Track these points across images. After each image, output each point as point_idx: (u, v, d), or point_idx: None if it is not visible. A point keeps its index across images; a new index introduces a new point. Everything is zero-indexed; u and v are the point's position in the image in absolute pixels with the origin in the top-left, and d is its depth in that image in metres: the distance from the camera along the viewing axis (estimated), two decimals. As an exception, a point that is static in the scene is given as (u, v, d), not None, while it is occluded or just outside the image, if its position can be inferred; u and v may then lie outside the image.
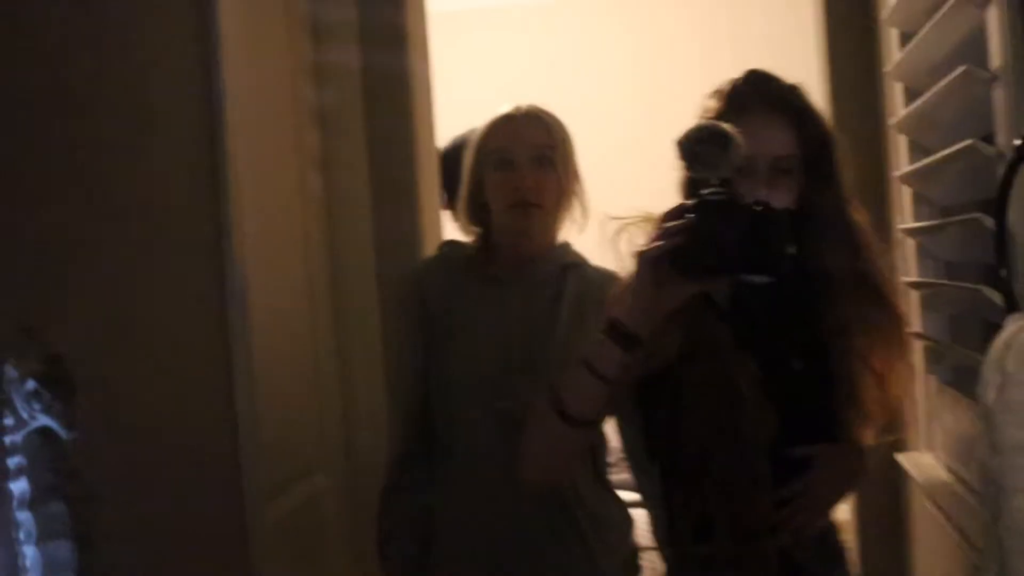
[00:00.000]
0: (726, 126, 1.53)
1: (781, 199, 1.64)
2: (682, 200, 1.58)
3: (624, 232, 1.77)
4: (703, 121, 1.57)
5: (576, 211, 2.30)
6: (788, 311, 1.74)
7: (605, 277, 2.14)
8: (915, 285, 2.18)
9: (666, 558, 1.84)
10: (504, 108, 2.32)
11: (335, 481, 2.73)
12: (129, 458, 1.42)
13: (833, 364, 1.74)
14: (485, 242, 2.31)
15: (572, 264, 2.28)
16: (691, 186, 1.65)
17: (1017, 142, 1.15)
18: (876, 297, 1.74)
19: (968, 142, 1.60)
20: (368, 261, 2.79)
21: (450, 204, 2.63)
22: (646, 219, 1.74)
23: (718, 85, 1.76)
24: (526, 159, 2.21)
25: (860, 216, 1.77)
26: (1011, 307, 1.24)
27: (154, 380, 1.50)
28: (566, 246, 2.32)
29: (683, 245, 1.50)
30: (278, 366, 2.37)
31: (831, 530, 1.83)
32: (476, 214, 2.31)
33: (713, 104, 1.73)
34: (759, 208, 1.52)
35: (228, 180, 1.74)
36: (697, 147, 1.53)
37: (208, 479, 1.64)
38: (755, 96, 1.70)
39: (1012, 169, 1.20)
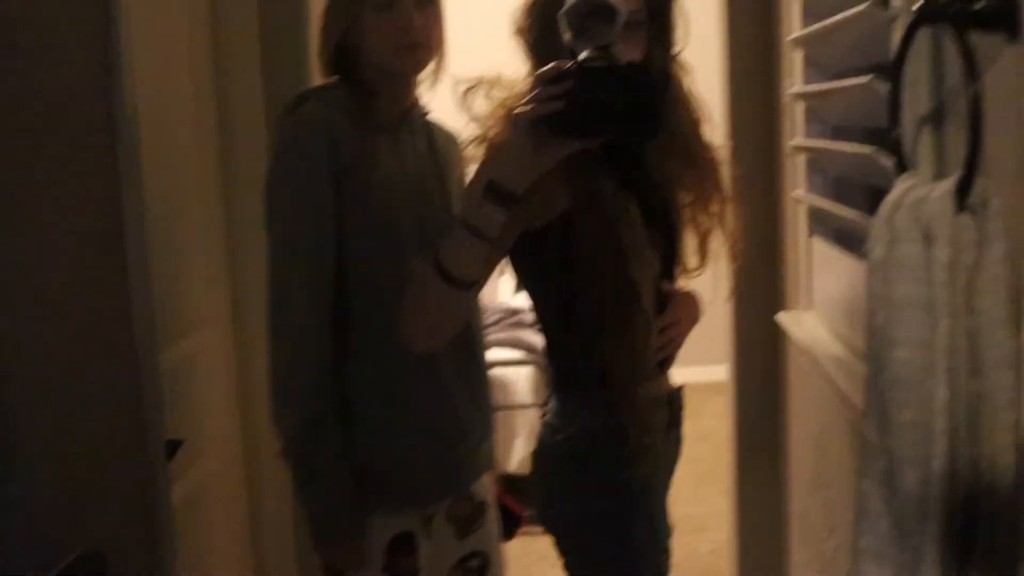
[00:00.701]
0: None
1: (632, 53, 1.70)
2: (557, 55, 1.60)
3: (473, 93, 1.82)
4: None
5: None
6: (641, 159, 1.86)
7: (449, 131, 2.22)
8: (803, 148, 2.22)
9: (567, 404, 1.91)
10: None
11: (223, 334, 2.73)
12: (21, 316, 1.39)
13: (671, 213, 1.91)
14: (359, 88, 2.10)
15: (427, 112, 2.22)
16: (561, 42, 1.65)
17: (920, 1, 1.17)
18: (690, 154, 1.89)
19: (865, 4, 1.62)
20: (257, 112, 2.75)
21: None
22: (495, 81, 1.79)
23: None
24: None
25: (685, 74, 1.88)
26: (902, 167, 1.28)
27: (43, 239, 1.47)
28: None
29: (564, 109, 1.52)
30: (168, 221, 2.33)
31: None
32: (341, 59, 2.11)
33: None
34: (636, 72, 1.57)
35: (117, 37, 1.68)
36: (585, 21, 1.56)
37: (99, 334, 1.62)
38: None
39: (911, 29, 1.23)
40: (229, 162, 2.74)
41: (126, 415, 1.66)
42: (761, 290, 2.81)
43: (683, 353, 2.00)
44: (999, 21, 1.06)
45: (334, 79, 2.11)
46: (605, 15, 1.56)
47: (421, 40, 2.05)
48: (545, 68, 1.56)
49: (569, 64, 1.55)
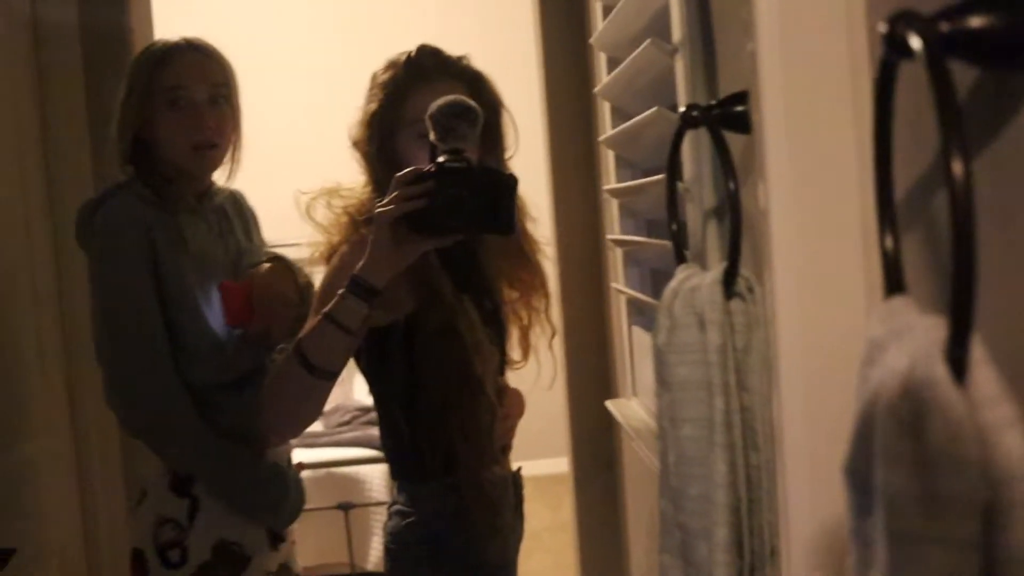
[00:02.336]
0: (472, 102, 1.67)
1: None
2: (395, 161, 1.71)
3: (314, 204, 1.94)
4: (453, 97, 1.70)
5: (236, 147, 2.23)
6: (476, 259, 1.99)
7: (239, 193, 2.34)
8: (617, 242, 2.33)
9: (417, 494, 1.97)
10: (170, 39, 2.17)
11: (61, 440, 2.70)
12: None
13: (500, 310, 2.02)
14: (155, 179, 2.13)
15: (221, 191, 2.29)
16: (398, 150, 1.84)
17: (682, 109, 1.28)
18: (518, 252, 2.02)
19: (654, 109, 1.73)
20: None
21: None
22: (334, 191, 1.90)
23: (391, 58, 1.92)
24: (205, 97, 2.13)
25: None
26: (680, 259, 1.38)
27: None
28: None
29: (425, 208, 1.64)
30: (2, 328, 2.32)
31: None
32: (136, 150, 2.14)
33: (391, 75, 1.90)
34: (491, 173, 1.72)
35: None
36: (452, 121, 1.68)
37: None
38: (434, 66, 1.86)
39: (680, 133, 1.33)
40: (63, 266, 2.73)
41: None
42: (591, 379, 2.90)
43: (535, 445, 2.08)
44: (743, 122, 1.17)
45: (128, 174, 2.15)
46: (470, 117, 1.70)
47: (214, 140, 2.13)
48: (405, 171, 1.68)
49: (428, 167, 1.67)
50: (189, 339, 2.11)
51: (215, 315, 2.12)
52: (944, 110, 0.65)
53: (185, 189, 2.17)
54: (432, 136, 1.71)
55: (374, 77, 1.95)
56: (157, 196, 2.12)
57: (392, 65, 1.93)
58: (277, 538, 2.23)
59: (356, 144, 1.96)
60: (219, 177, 2.25)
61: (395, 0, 6.19)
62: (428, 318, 1.87)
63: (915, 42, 0.67)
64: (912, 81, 0.74)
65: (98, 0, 2.80)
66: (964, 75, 0.73)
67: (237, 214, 2.29)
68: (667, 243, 1.87)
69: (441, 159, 1.70)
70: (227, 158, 2.21)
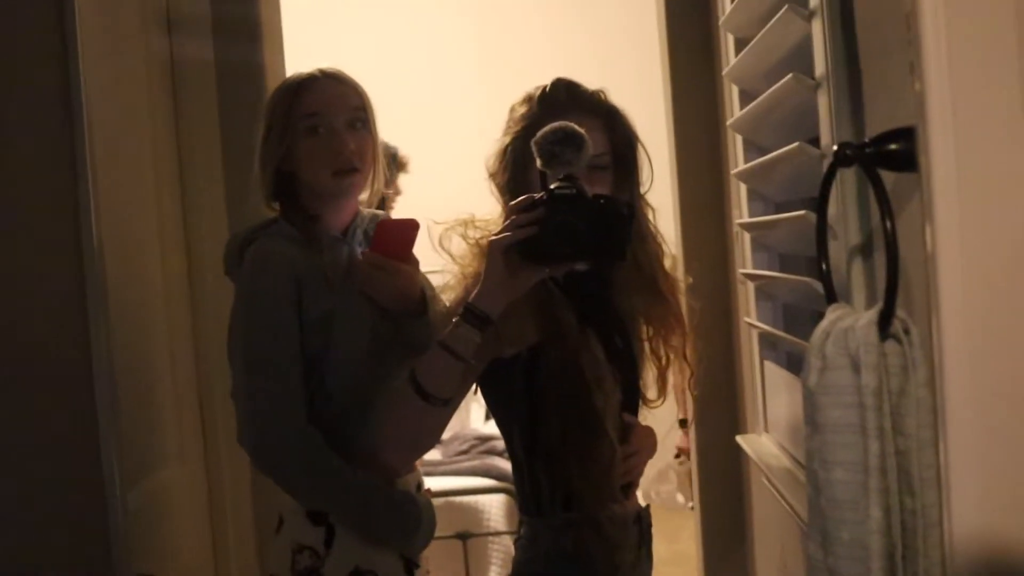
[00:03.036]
0: (579, 128, 1.67)
1: (599, 192, 1.80)
2: (528, 193, 1.72)
3: (448, 234, 1.95)
4: (559, 123, 1.70)
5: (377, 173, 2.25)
6: (606, 295, 1.98)
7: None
8: (750, 276, 2.31)
9: (537, 529, 1.97)
10: (304, 71, 2.21)
11: (193, 469, 2.76)
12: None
13: (632, 347, 2.00)
14: (301, 215, 2.18)
15: (363, 217, 2.30)
16: (531, 182, 1.82)
17: (835, 147, 1.26)
18: (654, 289, 1.99)
19: (795, 144, 1.71)
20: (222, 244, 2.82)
21: None
22: (467, 222, 1.91)
23: (528, 92, 1.94)
24: (343, 123, 2.16)
25: (649, 211, 2.01)
26: (831, 298, 1.36)
27: (15, 378, 1.52)
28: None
29: (536, 235, 1.65)
30: (137, 356, 2.38)
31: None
32: (280, 186, 2.19)
33: (527, 109, 1.91)
34: (603, 201, 1.71)
35: (87, 177, 1.76)
36: (555, 147, 1.68)
37: (69, 469, 1.67)
38: (568, 101, 1.87)
39: (831, 171, 1.31)
40: (196, 299, 2.80)
41: (94, 550, 1.70)
42: (721, 414, 2.87)
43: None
44: (904, 160, 1.15)
45: (274, 212, 2.19)
46: (574, 143, 1.70)
47: (355, 164, 2.15)
48: (518, 199, 1.69)
49: (540, 194, 1.67)
50: (328, 378, 2.13)
51: (357, 352, 2.13)
52: None
53: (331, 222, 2.20)
54: (539, 163, 1.72)
55: (512, 110, 1.96)
56: (303, 234, 2.15)
57: (528, 99, 1.95)
58: (411, 564, 2.24)
59: (492, 176, 1.97)
60: (361, 203, 2.28)
61: (532, 32, 6.22)
62: (550, 352, 1.87)
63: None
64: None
65: (233, 38, 2.87)
66: None
67: None
68: (802, 279, 1.86)
69: (552, 186, 1.71)
70: (367, 182, 2.23)
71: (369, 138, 2.21)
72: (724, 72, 2.44)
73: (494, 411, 2.03)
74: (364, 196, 2.26)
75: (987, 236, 0.97)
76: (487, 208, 1.98)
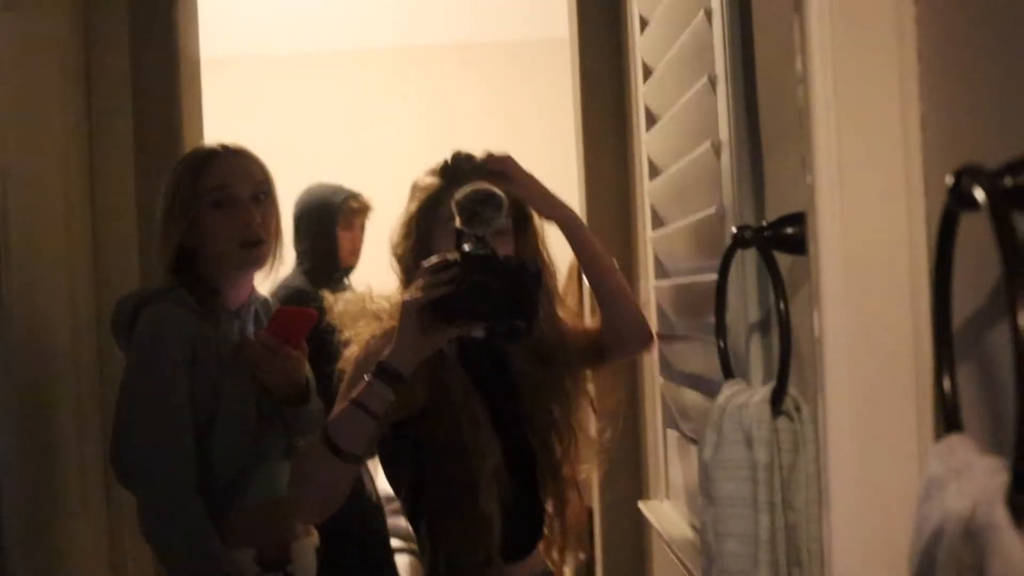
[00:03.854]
0: (496, 189, 1.72)
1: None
2: (441, 254, 1.75)
3: (345, 310, 2.00)
4: (478, 185, 1.75)
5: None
6: (502, 360, 2.01)
7: (271, 304, 2.40)
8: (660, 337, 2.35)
9: None
10: (205, 145, 2.26)
11: (96, 522, 2.72)
12: None
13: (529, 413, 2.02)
14: (201, 287, 2.17)
15: (256, 298, 2.33)
16: (435, 250, 1.87)
17: (734, 229, 1.31)
18: (556, 364, 2.03)
19: (702, 215, 1.76)
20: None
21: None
22: (364, 296, 2.00)
23: (430, 167, 2.01)
24: (248, 195, 2.17)
25: (548, 273, 2.03)
26: (727, 373, 1.40)
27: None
28: None
29: (450, 294, 1.68)
30: (38, 407, 2.35)
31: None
32: (181, 259, 2.18)
33: (430, 180, 1.98)
34: (515, 263, 1.77)
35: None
36: (477, 207, 1.72)
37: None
38: (471, 170, 1.90)
39: (730, 252, 1.36)
40: (105, 349, 2.77)
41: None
42: (624, 479, 2.89)
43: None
44: (797, 244, 1.20)
45: (171, 280, 2.18)
46: (494, 202, 1.75)
47: (261, 235, 2.17)
48: (431, 258, 1.74)
49: (452, 254, 1.72)
50: (216, 454, 2.13)
51: (246, 425, 2.15)
52: (1007, 259, 0.68)
53: (231, 296, 2.21)
54: (458, 222, 1.77)
55: (415, 184, 2.02)
56: (200, 305, 2.15)
57: (431, 172, 2.01)
58: None
59: (395, 247, 2.02)
60: (259, 279, 2.29)
61: (438, 106, 6.29)
62: (434, 415, 1.91)
63: (979, 194, 0.70)
64: (972, 229, 0.76)
65: (152, 100, 2.88)
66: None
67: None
68: (707, 344, 1.90)
69: (466, 246, 1.75)
70: (271, 254, 2.25)
71: (273, 210, 2.24)
72: (638, 141, 2.50)
73: (387, 472, 2.05)
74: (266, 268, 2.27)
75: (872, 324, 1.01)
76: None
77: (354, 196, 3.89)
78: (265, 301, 2.36)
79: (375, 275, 2.07)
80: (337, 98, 6.34)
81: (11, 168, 1.86)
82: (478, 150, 2.00)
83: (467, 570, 1.91)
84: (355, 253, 3.91)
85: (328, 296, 2.02)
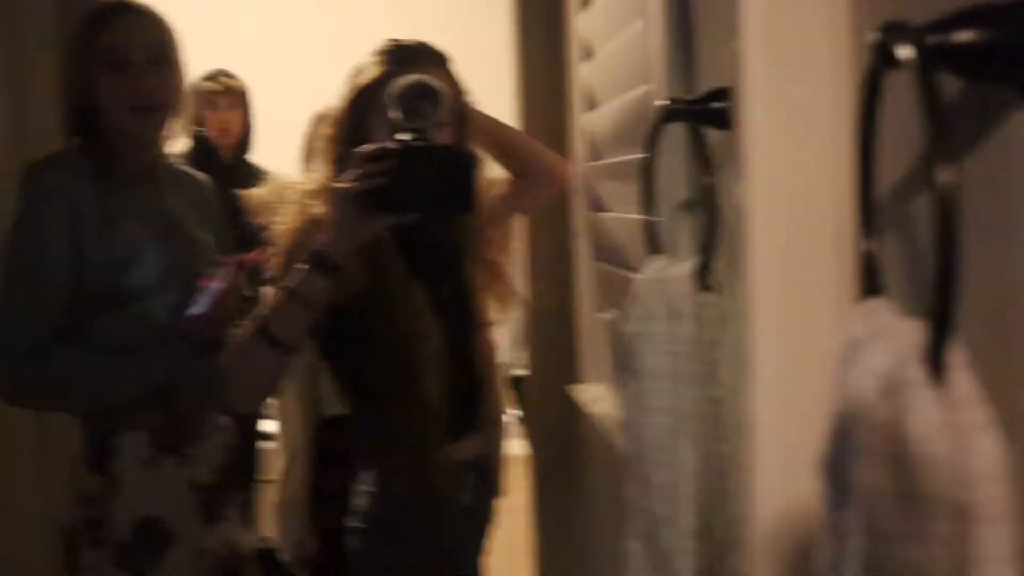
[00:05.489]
0: (436, 82, 1.69)
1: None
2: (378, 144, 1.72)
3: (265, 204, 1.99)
4: (416, 77, 1.72)
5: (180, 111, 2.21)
6: (440, 246, 2.01)
7: (196, 176, 2.35)
8: (586, 228, 2.35)
9: (367, 478, 2.02)
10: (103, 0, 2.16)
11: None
12: None
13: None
14: (99, 151, 2.11)
15: (174, 165, 2.29)
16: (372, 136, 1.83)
17: (660, 104, 1.29)
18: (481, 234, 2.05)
19: (636, 96, 1.74)
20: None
21: None
22: (284, 187, 2.03)
23: (378, 47, 1.94)
24: (144, 58, 2.09)
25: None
26: (653, 250, 1.39)
27: None
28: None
29: (387, 185, 1.65)
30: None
31: None
32: (81, 120, 2.12)
33: (373, 67, 1.91)
34: (454, 152, 1.76)
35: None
36: (414, 101, 1.69)
37: None
38: (418, 55, 1.86)
39: (657, 126, 1.35)
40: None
41: None
42: (556, 363, 2.90)
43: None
44: (725, 119, 1.18)
45: (76, 142, 2.11)
46: (432, 97, 1.73)
47: (157, 100, 2.10)
48: (366, 147, 1.69)
49: (391, 144, 1.69)
50: (128, 321, 2.09)
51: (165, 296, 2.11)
52: (932, 118, 0.67)
53: (132, 162, 2.14)
54: (395, 115, 1.73)
55: (355, 68, 1.96)
56: (97, 169, 2.08)
57: (372, 57, 1.95)
58: (211, 510, 2.19)
59: (322, 130, 1.99)
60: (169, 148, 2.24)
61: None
62: (374, 300, 1.90)
63: (905, 52, 0.69)
64: (897, 90, 0.75)
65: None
66: (948, 86, 0.75)
67: (191, 201, 2.27)
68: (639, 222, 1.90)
69: (405, 137, 1.71)
70: (168, 121, 2.18)
71: (173, 75, 2.15)
72: (571, 22, 2.46)
73: (325, 358, 2.04)
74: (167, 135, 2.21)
75: (795, 194, 1.01)
76: None
77: (211, 77, 3.80)
78: (195, 183, 2.30)
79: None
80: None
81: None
82: (415, 38, 1.96)
83: (410, 451, 1.91)
84: (226, 134, 3.84)
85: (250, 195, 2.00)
